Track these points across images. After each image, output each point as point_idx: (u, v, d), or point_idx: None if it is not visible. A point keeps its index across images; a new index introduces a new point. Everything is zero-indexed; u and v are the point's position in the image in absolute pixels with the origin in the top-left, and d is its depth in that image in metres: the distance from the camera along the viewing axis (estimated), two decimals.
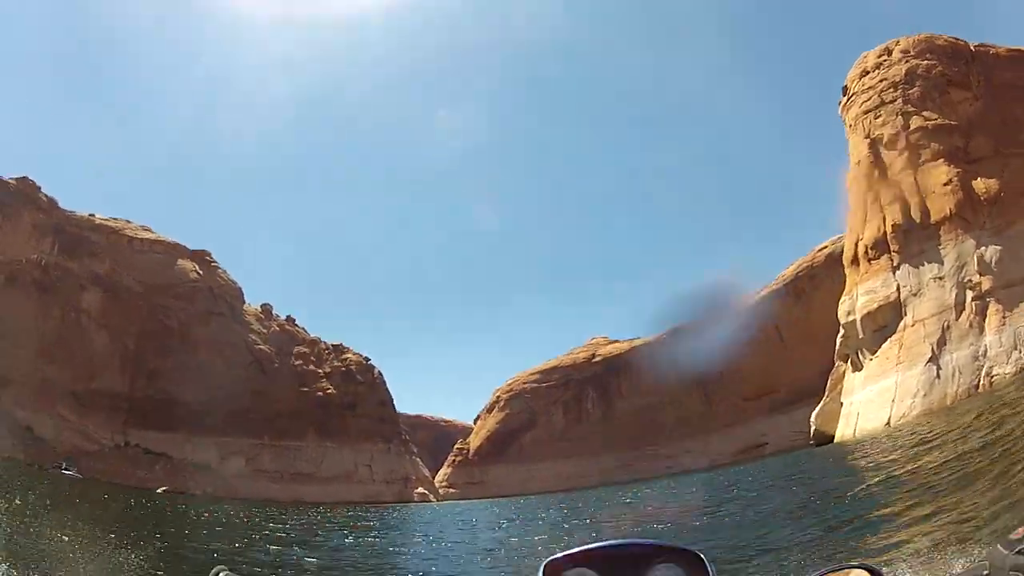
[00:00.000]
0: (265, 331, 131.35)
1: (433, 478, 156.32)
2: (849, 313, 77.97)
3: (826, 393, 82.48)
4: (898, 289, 70.30)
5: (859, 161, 79.96)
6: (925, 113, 74.27)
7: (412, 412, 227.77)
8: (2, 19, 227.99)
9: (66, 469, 78.90)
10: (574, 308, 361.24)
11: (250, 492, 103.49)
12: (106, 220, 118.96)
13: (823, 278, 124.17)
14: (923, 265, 68.43)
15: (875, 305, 72.34)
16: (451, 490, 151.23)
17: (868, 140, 78.70)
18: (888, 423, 62.51)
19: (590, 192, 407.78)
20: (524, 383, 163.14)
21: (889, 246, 72.73)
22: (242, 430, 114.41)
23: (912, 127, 74.33)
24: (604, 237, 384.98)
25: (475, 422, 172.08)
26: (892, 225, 72.41)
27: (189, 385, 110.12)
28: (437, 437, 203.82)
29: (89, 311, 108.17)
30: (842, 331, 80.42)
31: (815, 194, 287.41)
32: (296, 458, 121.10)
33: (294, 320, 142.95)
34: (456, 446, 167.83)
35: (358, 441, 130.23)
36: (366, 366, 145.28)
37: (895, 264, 71.61)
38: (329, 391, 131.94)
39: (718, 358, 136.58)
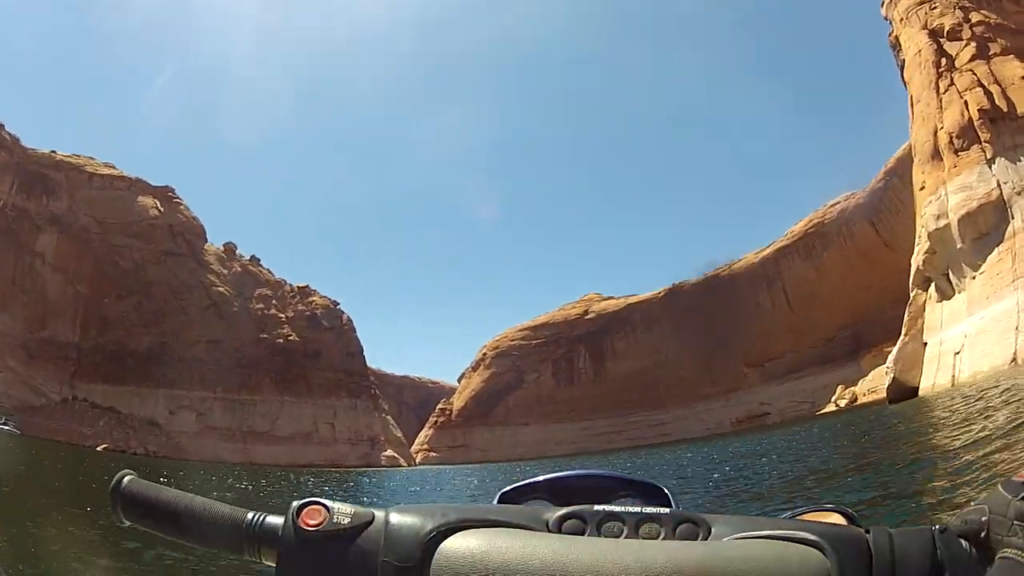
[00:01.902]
0: (226, 272, 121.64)
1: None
2: (939, 217, 61.07)
3: (903, 333, 66.63)
4: (999, 185, 56.54)
5: (919, 51, 71.10)
6: (983, 12, 68.14)
7: (399, 372, 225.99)
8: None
9: (3, 424, 75.72)
10: (569, 263, 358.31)
11: (198, 452, 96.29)
12: (67, 157, 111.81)
13: (835, 236, 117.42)
14: (1021, 160, 56.40)
15: (974, 204, 57.53)
16: (432, 454, 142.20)
17: (927, 31, 71.10)
18: (1015, 360, 46.77)
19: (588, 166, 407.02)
20: (511, 340, 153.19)
21: (979, 135, 60.07)
22: (194, 382, 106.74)
23: (974, 20, 67.68)
24: (602, 198, 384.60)
25: (459, 381, 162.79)
26: (979, 110, 60.72)
27: (141, 332, 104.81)
28: (424, 399, 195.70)
29: (43, 254, 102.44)
30: (926, 245, 63.41)
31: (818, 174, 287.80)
32: (250, 413, 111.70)
33: (258, 260, 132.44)
34: (439, 406, 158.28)
35: (321, 395, 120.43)
36: (334, 311, 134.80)
37: (988, 157, 58.75)
38: (291, 338, 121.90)
39: (718, 318, 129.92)
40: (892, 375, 65.42)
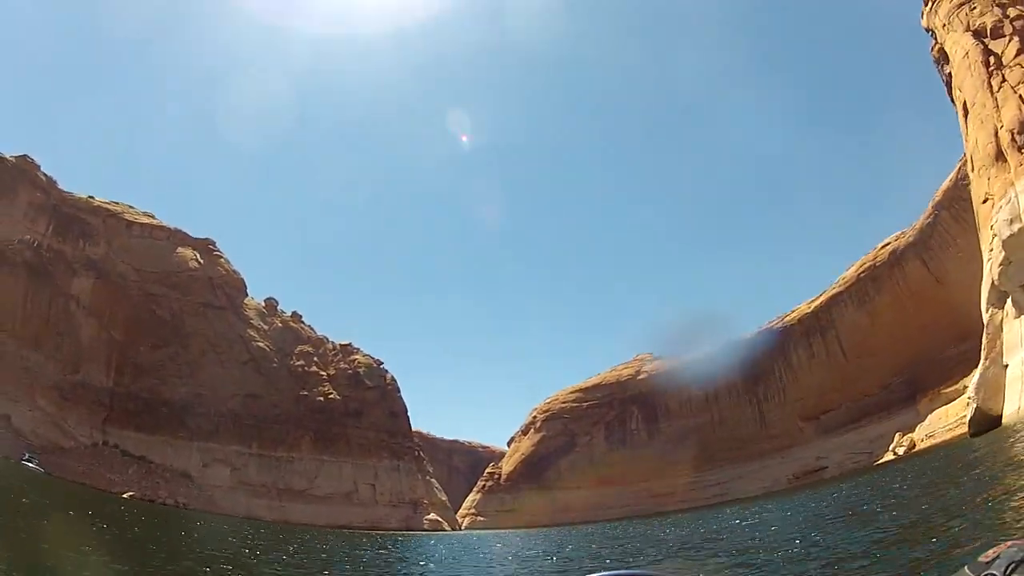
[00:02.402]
0: (266, 327, 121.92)
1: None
2: (1012, 221, 55.70)
3: (983, 357, 58.89)
4: None
5: (966, 53, 69.09)
6: (1019, 7, 67.15)
7: (448, 436, 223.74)
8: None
9: (28, 461, 75.37)
10: (620, 323, 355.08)
11: (230, 507, 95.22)
12: (105, 203, 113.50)
13: (886, 280, 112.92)
14: None
15: None
16: (479, 518, 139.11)
17: (970, 32, 69.76)
18: None
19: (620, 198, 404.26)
20: (563, 402, 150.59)
21: None
22: (229, 436, 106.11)
23: (1012, 16, 66.60)
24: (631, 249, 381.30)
25: (508, 445, 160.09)
26: None
27: (176, 383, 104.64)
28: (474, 463, 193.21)
29: (79, 297, 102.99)
30: (1000, 256, 57.24)
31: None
32: (287, 471, 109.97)
33: (300, 316, 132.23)
34: (487, 470, 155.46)
35: (361, 455, 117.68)
36: (377, 370, 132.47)
37: None
38: (331, 396, 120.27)
39: (772, 372, 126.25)
40: (975, 404, 57.95)
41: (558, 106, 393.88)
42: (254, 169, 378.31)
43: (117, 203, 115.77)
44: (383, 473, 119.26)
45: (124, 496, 76.80)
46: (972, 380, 62.37)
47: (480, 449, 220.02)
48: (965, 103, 69.22)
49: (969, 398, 60.98)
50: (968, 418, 59.52)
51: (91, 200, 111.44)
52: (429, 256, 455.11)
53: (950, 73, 75.19)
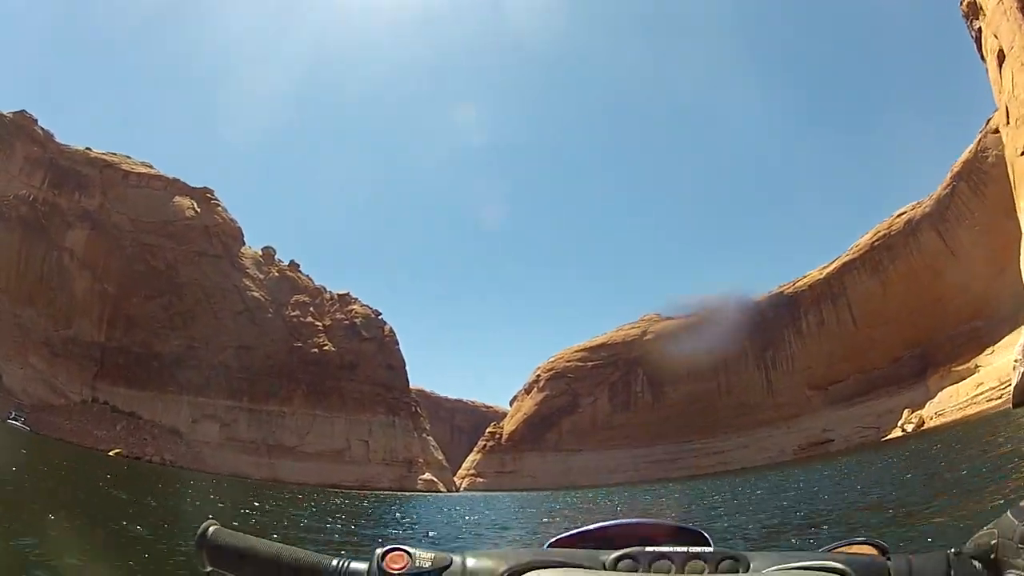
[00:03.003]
0: (262, 276, 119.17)
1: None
2: None
3: None
4: None
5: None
6: None
7: (453, 396, 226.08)
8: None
9: (13, 419, 73.70)
10: (628, 283, 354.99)
11: (218, 464, 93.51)
12: (102, 154, 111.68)
13: (900, 249, 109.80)
14: None
15: None
16: (479, 480, 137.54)
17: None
18: None
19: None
20: (567, 361, 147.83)
21: None
22: (220, 390, 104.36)
23: None
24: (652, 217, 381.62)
25: (511, 404, 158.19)
26: None
27: (168, 335, 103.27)
28: (478, 424, 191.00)
29: (73, 250, 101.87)
30: None
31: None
32: (278, 426, 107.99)
33: (297, 266, 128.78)
34: (488, 430, 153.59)
35: (355, 410, 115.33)
36: (375, 321, 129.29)
37: None
38: (326, 347, 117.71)
39: (782, 338, 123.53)
40: (1020, 371, 55.13)
41: (557, 101, 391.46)
42: (261, 122, 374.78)
43: (115, 154, 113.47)
44: (377, 429, 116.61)
45: (110, 454, 75.01)
46: (1018, 344, 59.20)
47: (484, 409, 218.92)
48: (1000, 51, 65.98)
49: (1016, 361, 58.36)
50: (1014, 384, 57.26)
51: (88, 152, 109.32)
52: (439, 219, 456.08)
53: (980, 28, 72.56)
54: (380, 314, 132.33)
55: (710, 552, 1.18)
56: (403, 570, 1.18)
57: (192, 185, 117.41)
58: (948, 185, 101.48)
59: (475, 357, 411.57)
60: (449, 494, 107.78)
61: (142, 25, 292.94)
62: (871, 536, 1.39)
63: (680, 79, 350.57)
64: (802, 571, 1.11)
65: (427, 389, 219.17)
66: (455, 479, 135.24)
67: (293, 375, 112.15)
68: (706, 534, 1.56)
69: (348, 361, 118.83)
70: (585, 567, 1.23)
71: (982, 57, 72.67)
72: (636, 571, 1.20)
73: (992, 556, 1.00)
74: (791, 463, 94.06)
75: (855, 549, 1.27)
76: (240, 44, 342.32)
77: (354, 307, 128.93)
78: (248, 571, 1.28)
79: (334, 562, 1.25)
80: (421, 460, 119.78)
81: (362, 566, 1.22)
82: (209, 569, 1.30)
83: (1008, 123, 64.66)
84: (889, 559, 1.10)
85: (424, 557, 1.20)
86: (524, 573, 1.18)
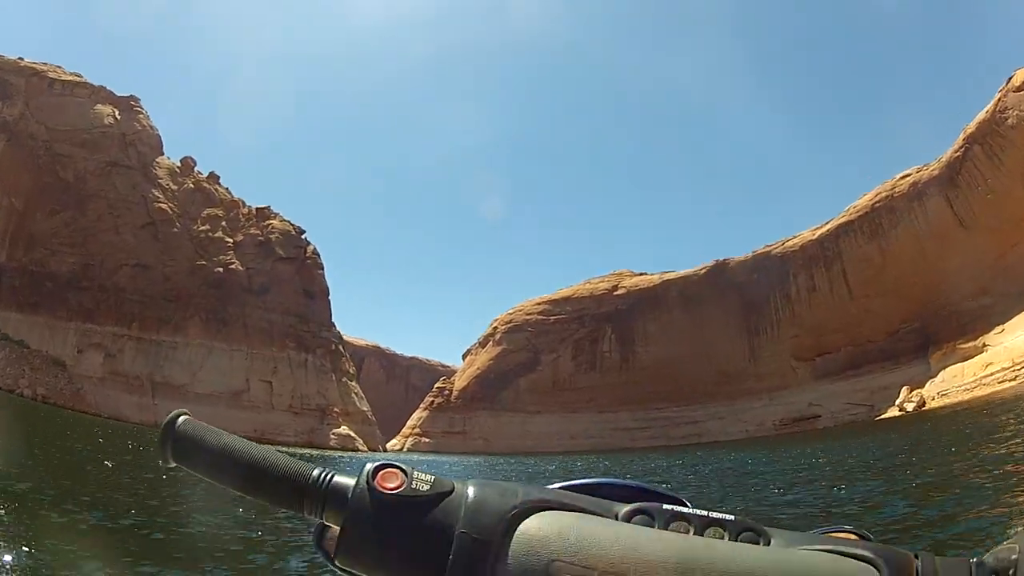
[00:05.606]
0: (176, 187, 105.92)
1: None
2: None
3: None
4: None
5: None
6: None
7: (408, 353, 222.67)
8: None
9: None
10: (598, 238, 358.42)
11: (96, 404, 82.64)
12: (33, 63, 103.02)
13: (903, 213, 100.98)
14: None
15: None
16: (424, 439, 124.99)
17: None
18: None
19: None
20: (527, 314, 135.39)
21: None
22: (109, 314, 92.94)
23: None
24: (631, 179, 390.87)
25: (463, 358, 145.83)
26: None
27: (66, 252, 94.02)
28: (434, 382, 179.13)
29: None
30: None
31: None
32: (168, 359, 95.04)
33: (217, 177, 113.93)
34: (436, 385, 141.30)
35: (260, 343, 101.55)
36: (295, 238, 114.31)
37: None
38: (232, 266, 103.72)
39: (767, 303, 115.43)
40: None
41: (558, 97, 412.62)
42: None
43: (46, 64, 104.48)
44: (284, 368, 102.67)
45: None
46: None
47: (440, 368, 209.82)
48: None
49: None
50: None
51: (19, 61, 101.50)
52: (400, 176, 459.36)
53: None
54: (304, 232, 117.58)
55: (730, 520, 1.12)
56: (398, 490, 1.09)
57: (118, 93, 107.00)
58: (960, 147, 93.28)
59: (437, 315, 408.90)
60: (371, 454, 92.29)
61: None
62: (856, 526, 1.36)
63: (678, 78, 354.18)
64: (829, 554, 1.09)
65: (382, 345, 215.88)
66: (399, 438, 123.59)
67: (191, 299, 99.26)
68: (687, 502, 1.38)
69: (258, 284, 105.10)
70: (598, 514, 1.16)
71: None
72: (652, 527, 1.13)
73: (1012, 572, 0.96)
74: (772, 438, 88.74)
75: (839, 536, 1.19)
76: None
77: (272, 222, 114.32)
78: (216, 471, 1.19)
79: (316, 471, 1.15)
80: (338, 410, 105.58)
81: (348, 481, 1.12)
82: (173, 465, 1.20)
83: None
84: (917, 556, 1.07)
85: (422, 479, 1.11)
86: (533, 512, 1.12)
